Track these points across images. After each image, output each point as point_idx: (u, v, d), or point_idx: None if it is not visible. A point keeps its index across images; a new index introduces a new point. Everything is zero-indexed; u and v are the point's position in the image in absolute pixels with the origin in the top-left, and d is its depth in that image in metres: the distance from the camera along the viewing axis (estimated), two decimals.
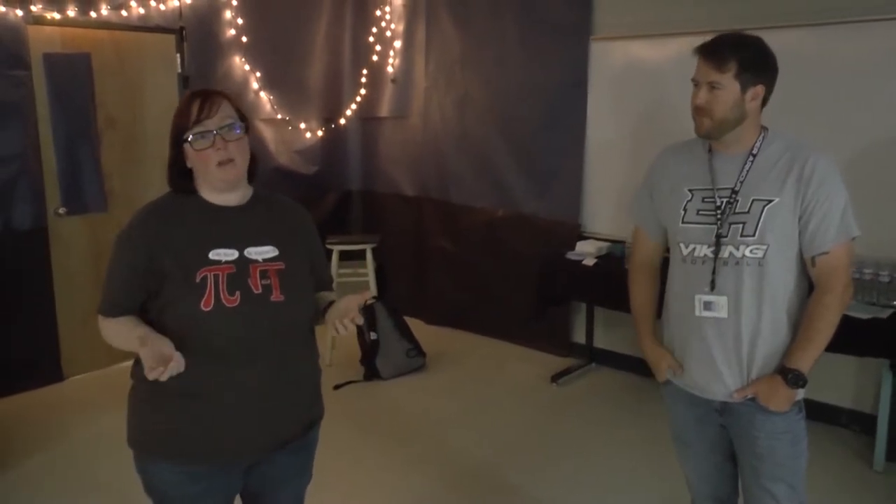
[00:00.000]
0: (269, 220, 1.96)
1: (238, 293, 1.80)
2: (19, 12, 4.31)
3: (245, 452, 1.92)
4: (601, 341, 5.10)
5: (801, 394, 2.05)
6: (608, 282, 4.34)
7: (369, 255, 5.43)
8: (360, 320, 1.87)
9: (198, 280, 1.78)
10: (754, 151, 2.05)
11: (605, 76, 4.83)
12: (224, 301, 1.78)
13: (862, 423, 3.98)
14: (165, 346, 1.67)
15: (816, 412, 3.95)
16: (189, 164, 1.86)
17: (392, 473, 3.66)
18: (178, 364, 1.65)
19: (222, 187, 1.89)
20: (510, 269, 5.39)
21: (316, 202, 6.09)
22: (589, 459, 3.80)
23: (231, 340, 1.80)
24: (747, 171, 2.04)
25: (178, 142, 1.85)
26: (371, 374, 4.86)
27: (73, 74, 4.56)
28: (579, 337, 5.22)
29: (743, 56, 1.98)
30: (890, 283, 3.58)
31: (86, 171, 4.65)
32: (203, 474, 1.88)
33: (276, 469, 2.01)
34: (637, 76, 4.66)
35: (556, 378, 4.83)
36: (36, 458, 3.79)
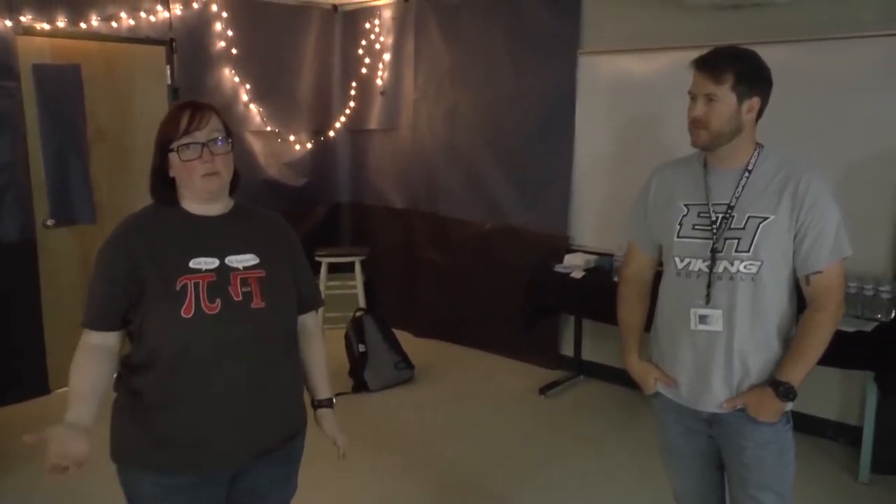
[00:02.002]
0: (250, 230, 1.98)
1: (219, 300, 1.82)
2: (8, 23, 4.31)
3: (227, 461, 1.92)
4: (589, 354, 5.12)
5: (789, 405, 2.08)
6: (596, 294, 4.37)
7: (358, 268, 5.45)
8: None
9: (178, 288, 1.80)
10: (749, 167, 2.09)
11: (593, 90, 4.87)
12: (205, 308, 1.80)
13: (848, 435, 4.01)
14: (74, 447, 1.66)
15: (803, 424, 3.96)
16: (172, 174, 1.88)
17: (380, 484, 3.66)
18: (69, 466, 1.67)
19: (205, 197, 1.90)
20: (499, 281, 5.40)
21: (305, 214, 6.11)
22: (577, 470, 3.81)
23: (212, 347, 1.81)
24: (742, 186, 2.07)
25: (163, 150, 1.86)
26: (359, 386, 4.86)
27: (62, 85, 4.55)
28: (567, 349, 5.24)
29: (739, 68, 2.02)
30: (874, 296, 3.62)
31: (75, 182, 4.64)
32: (186, 486, 1.88)
33: (261, 480, 2.01)
34: (625, 90, 4.70)
35: (544, 390, 4.85)
36: (21, 471, 3.75)
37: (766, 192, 2.05)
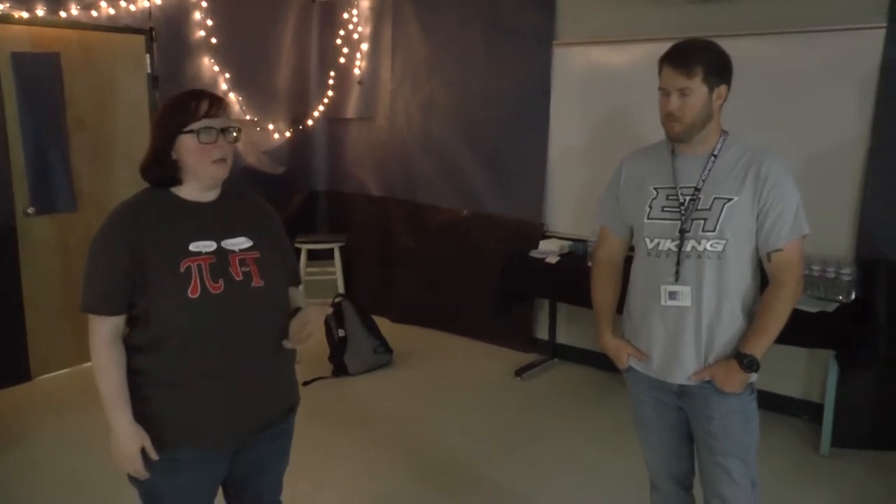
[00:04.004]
0: (240, 214, 2.06)
1: (221, 280, 1.90)
2: None
3: (232, 436, 1.99)
4: (563, 337, 5.25)
5: (753, 376, 2.20)
6: (570, 279, 4.49)
7: (337, 254, 5.52)
8: (314, 337, 2.04)
9: (182, 270, 1.87)
10: (715, 152, 2.21)
11: (567, 81, 4.97)
12: (210, 287, 1.88)
13: (810, 412, 4.18)
14: (134, 448, 1.89)
15: (768, 401, 4.12)
16: (175, 156, 1.93)
17: (361, 464, 3.76)
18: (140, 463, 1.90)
19: (210, 183, 1.98)
20: (475, 267, 5.50)
21: (283, 202, 6.16)
22: (552, 449, 3.94)
23: (218, 326, 1.89)
24: (709, 170, 2.20)
25: (174, 133, 1.91)
26: (339, 370, 4.94)
27: (41, 74, 4.57)
28: (542, 333, 5.36)
29: (707, 60, 2.15)
30: (836, 278, 3.77)
31: (55, 170, 4.66)
32: (190, 462, 1.95)
33: (260, 454, 2.10)
34: (598, 81, 4.81)
35: (519, 373, 4.96)
36: (2, 459, 3.77)
37: (730, 175, 2.18)
